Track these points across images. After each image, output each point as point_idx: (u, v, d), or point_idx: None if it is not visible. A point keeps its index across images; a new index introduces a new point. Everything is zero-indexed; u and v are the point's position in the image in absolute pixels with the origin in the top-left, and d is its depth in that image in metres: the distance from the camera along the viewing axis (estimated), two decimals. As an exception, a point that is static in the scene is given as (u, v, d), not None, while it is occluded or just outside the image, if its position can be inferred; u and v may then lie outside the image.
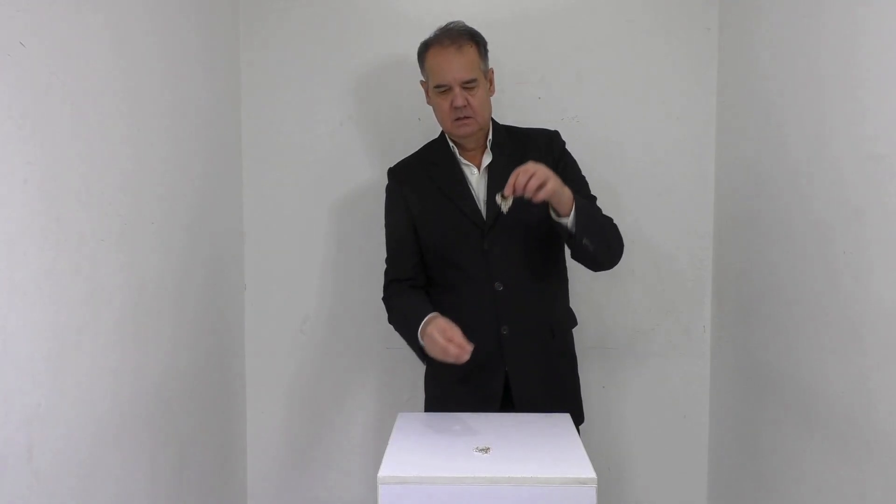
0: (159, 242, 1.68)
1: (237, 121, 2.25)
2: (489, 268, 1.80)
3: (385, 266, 1.94)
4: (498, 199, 1.64)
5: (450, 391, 1.85)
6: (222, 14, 2.13)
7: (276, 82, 2.26)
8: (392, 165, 1.93)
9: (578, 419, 1.90)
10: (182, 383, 1.82)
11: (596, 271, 1.86)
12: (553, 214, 1.69)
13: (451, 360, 1.59)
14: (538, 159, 1.81)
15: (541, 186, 1.59)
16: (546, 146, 1.85)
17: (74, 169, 1.32)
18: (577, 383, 1.94)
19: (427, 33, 1.83)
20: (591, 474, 1.33)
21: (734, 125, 2.12)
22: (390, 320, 1.90)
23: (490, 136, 1.84)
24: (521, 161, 1.82)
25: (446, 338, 1.60)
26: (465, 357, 1.58)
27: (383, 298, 1.92)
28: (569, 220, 1.67)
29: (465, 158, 1.85)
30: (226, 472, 2.16)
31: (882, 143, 1.39)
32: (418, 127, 2.17)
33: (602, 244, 1.74)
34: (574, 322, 1.95)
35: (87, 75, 1.37)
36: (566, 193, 1.66)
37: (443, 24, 1.82)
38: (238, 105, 2.25)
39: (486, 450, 1.47)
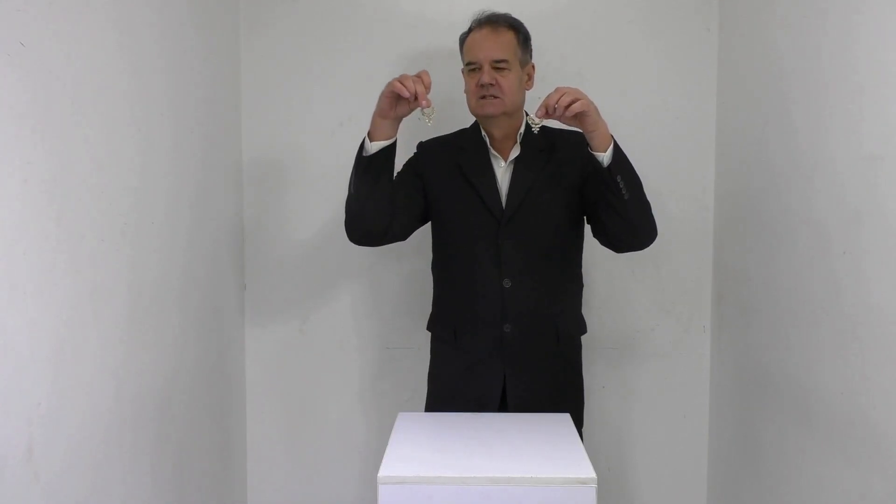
0: (159, 242, 1.68)
1: (237, 121, 2.25)
2: (500, 262, 1.78)
3: None
4: (530, 119, 1.66)
5: (451, 389, 1.85)
6: (223, 14, 2.13)
7: (276, 82, 2.26)
8: (423, 140, 1.93)
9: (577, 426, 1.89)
10: (182, 383, 1.82)
11: (623, 248, 1.80)
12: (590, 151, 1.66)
13: (398, 86, 1.58)
14: (567, 157, 1.81)
15: (573, 104, 1.58)
16: (576, 145, 1.78)
17: (74, 169, 1.32)
18: (579, 393, 1.92)
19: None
20: (592, 474, 1.33)
21: (734, 125, 2.12)
22: (348, 198, 1.76)
23: (522, 130, 1.82)
24: (550, 157, 1.81)
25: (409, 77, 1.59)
26: (412, 96, 1.58)
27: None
28: (605, 156, 1.64)
29: (494, 149, 1.83)
30: (226, 472, 2.16)
31: (882, 144, 1.39)
32: (419, 126, 2.16)
33: (637, 196, 1.68)
34: (583, 330, 1.93)
35: (86, 75, 1.37)
36: (603, 124, 1.64)
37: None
38: (238, 105, 2.25)
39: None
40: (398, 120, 1.69)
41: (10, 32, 1.15)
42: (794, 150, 1.73)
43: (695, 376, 2.30)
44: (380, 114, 1.66)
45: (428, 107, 1.61)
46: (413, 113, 1.69)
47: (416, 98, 1.59)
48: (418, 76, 1.61)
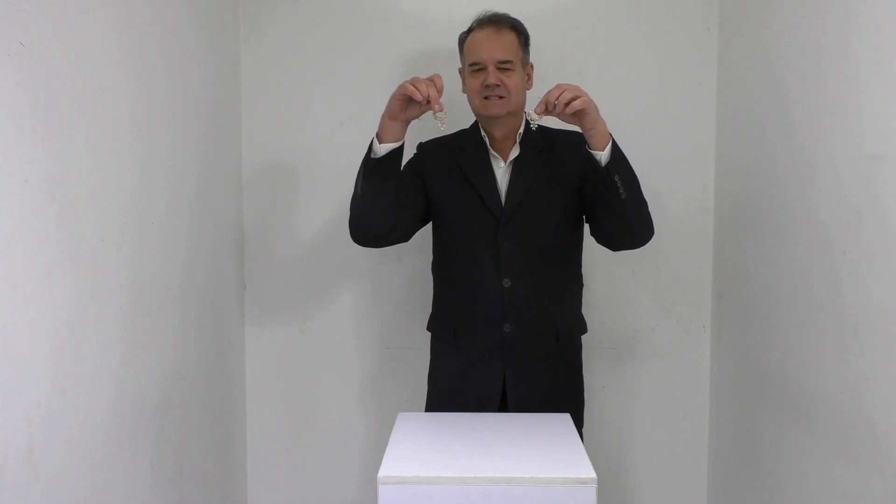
0: (159, 242, 1.68)
1: (237, 121, 2.25)
2: (500, 262, 1.78)
3: None
4: (530, 115, 1.64)
5: (451, 388, 1.85)
6: (222, 14, 2.13)
7: (276, 82, 2.26)
8: (423, 141, 1.93)
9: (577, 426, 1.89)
10: (182, 383, 1.82)
11: (619, 246, 1.79)
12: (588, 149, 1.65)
13: (410, 89, 1.58)
14: (566, 157, 1.81)
15: (573, 101, 1.57)
16: (574, 145, 1.77)
17: (74, 169, 1.32)
18: (579, 393, 1.92)
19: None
20: (592, 474, 1.33)
21: (734, 125, 2.12)
22: (353, 199, 1.76)
23: (521, 131, 1.82)
24: (549, 157, 1.81)
25: (420, 80, 1.58)
26: (425, 99, 1.57)
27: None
28: (603, 154, 1.63)
29: (494, 149, 1.83)
30: (226, 472, 2.16)
31: (882, 143, 1.39)
32: (419, 127, 2.16)
33: (634, 195, 1.67)
34: (583, 330, 1.93)
35: (86, 75, 1.37)
36: (602, 123, 1.62)
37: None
38: (238, 105, 2.25)
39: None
40: (407, 122, 1.68)
41: (10, 32, 1.15)
42: (794, 150, 1.73)
43: (695, 376, 2.30)
44: (389, 115, 1.66)
45: (440, 111, 1.59)
46: None
47: (428, 102, 1.58)
48: (430, 80, 1.60)
